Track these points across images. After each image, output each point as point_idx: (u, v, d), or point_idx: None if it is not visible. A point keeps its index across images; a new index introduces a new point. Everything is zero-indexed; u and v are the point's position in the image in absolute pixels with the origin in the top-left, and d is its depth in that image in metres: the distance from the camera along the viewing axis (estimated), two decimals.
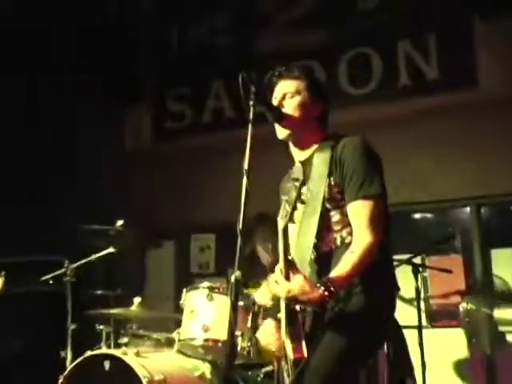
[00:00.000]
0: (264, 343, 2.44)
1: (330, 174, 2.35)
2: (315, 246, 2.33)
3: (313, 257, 2.35)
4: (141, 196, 6.50)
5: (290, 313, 2.18)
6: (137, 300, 3.93)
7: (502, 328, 4.49)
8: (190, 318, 3.39)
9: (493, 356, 4.73)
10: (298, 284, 2.11)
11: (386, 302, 2.40)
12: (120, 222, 4.00)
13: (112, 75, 6.55)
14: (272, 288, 2.20)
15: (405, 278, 4.16)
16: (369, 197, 2.28)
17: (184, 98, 6.75)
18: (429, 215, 6.03)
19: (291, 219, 2.16)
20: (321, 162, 2.39)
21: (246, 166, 2.14)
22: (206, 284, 3.44)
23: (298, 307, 2.20)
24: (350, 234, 2.33)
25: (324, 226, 2.35)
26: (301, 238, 2.33)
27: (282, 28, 6.25)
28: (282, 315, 2.20)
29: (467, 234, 5.47)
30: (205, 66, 6.57)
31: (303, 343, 2.14)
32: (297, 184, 2.16)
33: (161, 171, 6.61)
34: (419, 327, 4.25)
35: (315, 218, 2.30)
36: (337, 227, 2.37)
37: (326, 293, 2.11)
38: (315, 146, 2.50)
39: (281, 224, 2.15)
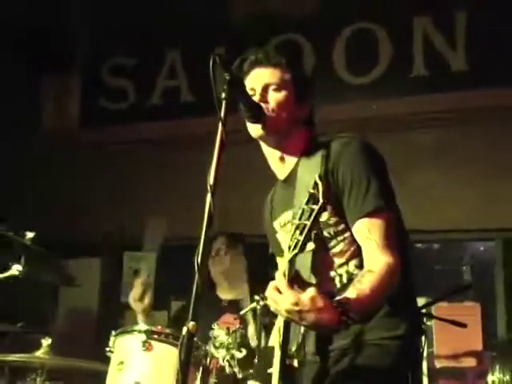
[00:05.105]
0: None
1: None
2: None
3: None
4: (59, 197, 6.37)
5: (285, 368, 2.15)
6: (45, 342, 3.76)
7: None
8: (118, 372, 3.27)
9: None
10: (308, 296, 2.00)
11: (409, 353, 2.39)
12: (30, 235, 3.79)
13: (30, 34, 6.36)
14: (270, 298, 2.07)
15: None
16: (376, 212, 2.30)
17: (126, 71, 6.64)
18: (436, 246, 6.05)
19: (302, 250, 2.05)
20: (308, 175, 2.37)
21: (211, 180, 2.04)
22: (144, 327, 3.34)
23: (295, 362, 2.18)
24: (360, 266, 2.34)
25: (320, 261, 2.33)
26: None
27: None
28: (274, 367, 2.16)
29: (488, 276, 5.42)
30: (157, 29, 6.45)
31: None
32: (315, 207, 2.05)
33: (89, 165, 6.46)
34: None
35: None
36: (340, 260, 2.39)
37: (344, 317, 2.03)
38: (298, 156, 2.53)
39: (288, 255, 2.06)
